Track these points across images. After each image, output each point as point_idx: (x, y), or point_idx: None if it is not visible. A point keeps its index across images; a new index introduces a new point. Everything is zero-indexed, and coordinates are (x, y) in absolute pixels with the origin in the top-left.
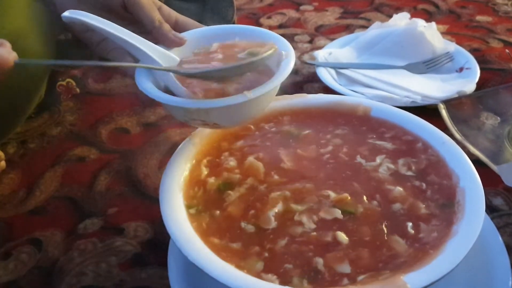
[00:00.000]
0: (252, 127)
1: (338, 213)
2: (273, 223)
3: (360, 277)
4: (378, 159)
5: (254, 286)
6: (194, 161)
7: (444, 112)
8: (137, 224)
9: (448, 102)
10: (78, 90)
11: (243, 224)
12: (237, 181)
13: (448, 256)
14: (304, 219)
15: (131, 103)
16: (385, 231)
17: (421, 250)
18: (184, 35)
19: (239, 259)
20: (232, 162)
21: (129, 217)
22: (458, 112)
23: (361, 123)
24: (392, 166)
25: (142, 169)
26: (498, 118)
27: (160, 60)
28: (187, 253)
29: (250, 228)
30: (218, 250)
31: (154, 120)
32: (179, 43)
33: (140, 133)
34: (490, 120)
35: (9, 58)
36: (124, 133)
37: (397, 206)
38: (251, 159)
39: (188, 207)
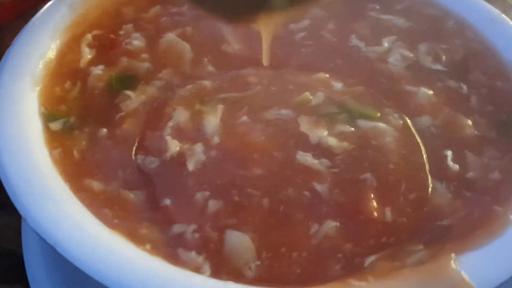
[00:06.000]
0: None
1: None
2: None
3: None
4: (386, 43)
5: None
6: (68, 35)
7: None
8: None
9: None
10: None
11: None
12: (144, 73)
13: None
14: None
15: None
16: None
17: (478, 204)
18: None
19: (136, 223)
20: (137, 41)
21: None
22: None
23: None
24: (409, 54)
25: None
26: None
27: None
28: (29, 217)
29: None
30: (100, 206)
31: None
32: None
33: (11, 2)
34: None
35: None
36: None
37: (424, 120)
38: (171, 36)
39: (49, 117)
